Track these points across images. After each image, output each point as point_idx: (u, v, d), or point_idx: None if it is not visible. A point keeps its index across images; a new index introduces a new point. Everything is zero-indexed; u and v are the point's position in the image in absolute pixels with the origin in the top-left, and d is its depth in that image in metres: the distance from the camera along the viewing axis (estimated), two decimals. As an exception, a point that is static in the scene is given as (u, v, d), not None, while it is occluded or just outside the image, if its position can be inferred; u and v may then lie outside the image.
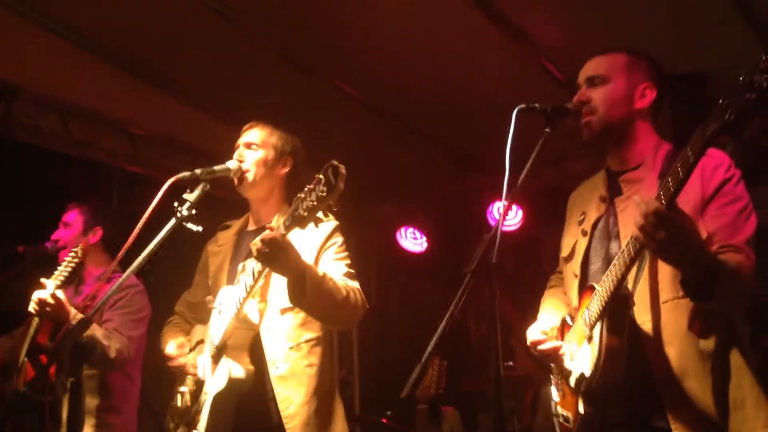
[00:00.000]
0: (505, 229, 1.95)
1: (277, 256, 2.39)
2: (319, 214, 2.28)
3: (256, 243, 2.40)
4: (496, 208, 5.85)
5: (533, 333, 2.45)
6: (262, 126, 2.93)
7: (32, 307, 3.17)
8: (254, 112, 4.98)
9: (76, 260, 3.45)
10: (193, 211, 2.50)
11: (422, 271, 6.62)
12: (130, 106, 5.00)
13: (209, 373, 2.68)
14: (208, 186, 2.58)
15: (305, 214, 2.28)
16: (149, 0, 3.94)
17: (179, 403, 2.80)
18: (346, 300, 2.59)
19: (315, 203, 2.24)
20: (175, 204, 2.49)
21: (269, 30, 4.21)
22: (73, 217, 3.83)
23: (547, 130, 2.22)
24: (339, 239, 2.82)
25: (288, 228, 2.39)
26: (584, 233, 2.46)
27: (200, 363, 2.78)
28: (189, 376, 2.78)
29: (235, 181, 2.82)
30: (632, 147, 2.42)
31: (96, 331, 3.28)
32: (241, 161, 2.82)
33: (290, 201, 2.83)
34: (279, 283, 2.69)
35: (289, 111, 4.87)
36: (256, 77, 4.67)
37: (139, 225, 2.34)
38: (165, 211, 2.57)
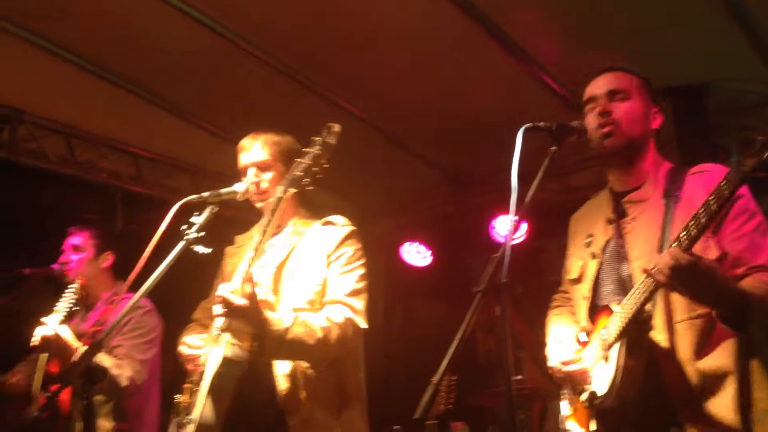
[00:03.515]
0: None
1: (243, 313, 2.41)
2: (315, 171, 2.46)
3: (224, 297, 2.39)
4: (499, 222, 5.86)
5: (558, 353, 2.44)
6: (263, 142, 2.86)
7: (33, 342, 3.16)
8: (255, 132, 5.05)
9: (76, 297, 3.42)
10: (201, 234, 2.50)
11: (427, 285, 6.62)
12: (133, 127, 5.04)
13: (209, 358, 2.61)
14: (215, 208, 2.59)
15: (301, 173, 2.44)
16: (151, 23, 3.97)
17: (183, 397, 2.74)
18: (322, 341, 2.52)
19: (310, 162, 2.44)
20: (184, 227, 2.49)
21: (270, 49, 4.24)
22: (83, 242, 3.80)
23: (553, 148, 2.22)
24: (350, 248, 2.76)
25: (285, 191, 2.51)
26: (593, 256, 2.46)
27: (205, 354, 2.72)
28: (197, 372, 2.73)
29: (253, 200, 2.82)
30: (639, 166, 2.43)
31: (105, 361, 3.25)
32: (257, 183, 2.80)
33: (302, 201, 2.89)
34: (294, 278, 2.67)
35: (290, 129, 4.89)
36: (257, 96, 4.69)
37: (149, 248, 2.35)
38: (172, 233, 2.57)
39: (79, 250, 3.79)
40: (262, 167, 2.82)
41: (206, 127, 5.04)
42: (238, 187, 2.77)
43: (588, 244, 2.51)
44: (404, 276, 6.52)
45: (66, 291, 3.45)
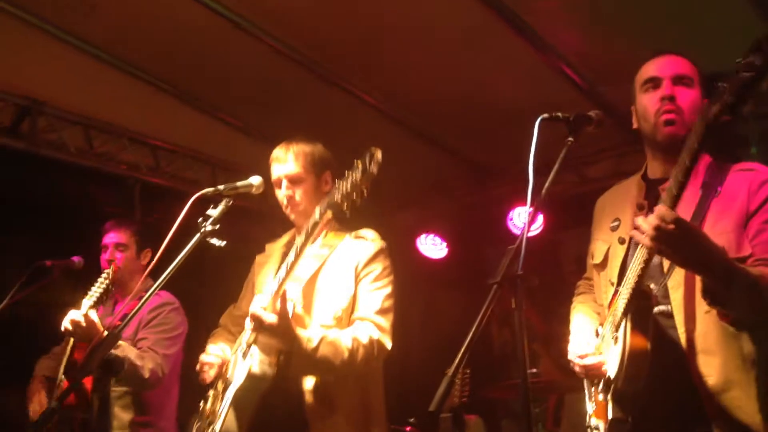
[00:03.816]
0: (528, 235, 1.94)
1: (273, 330, 2.45)
2: (354, 199, 2.39)
3: (255, 314, 2.44)
4: (517, 213, 5.84)
5: (577, 347, 2.41)
6: (295, 154, 2.84)
7: (65, 327, 3.19)
8: (274, 124, 5.07)
9: (107, 281, 3.46)
10: (217, 227, 2.51)
11: (443, 276, 6.62)
12: (152, 118, 5.06)
13: (235, 370, 2.66)
14: (231, 201, 2.60)
15: (339, 199, 2.40)
16: (170, 15, 3.99)
17: (206, 405, 2.79)
18: (348, 361, 2.56)
19: (349, 189, 2.38)
20: (200, 220, 2.51)
21: (291, 43, 4.24)
22: (127, 239, 3.84)
23: (570, 139, 2.19)
24: (379, 266, 2.76)
25: (322, 214, 2.48)
26: (621, 241, 2.40)
27: (231, 363, 2.76)
28: (219, 380, 2.78)
29: (286, 211, 2.85)
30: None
31: (129, 351, 3.29)
32: (289, 196, 2.81)
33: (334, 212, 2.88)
34: (323, 293, 2.70)
35: (310, 121, 4.91)
36: (277, 89, 4.70)
37: (166, 241, 2.36)
38: (189, 225, 2.58)
39: (123, 248, 3.82)
40: (294, 180, 2.82)
41: (225, 119, 5.06)
42: (254, 180, 2.78)
43: (614, 228, 2.46)
44: (421, 267, 6.53)
45: (100, 278, 3.49)
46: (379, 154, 2.34)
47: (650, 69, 2.38)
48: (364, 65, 4.49)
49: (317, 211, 2.53)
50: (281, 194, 2.84)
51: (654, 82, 2.35)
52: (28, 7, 3.91)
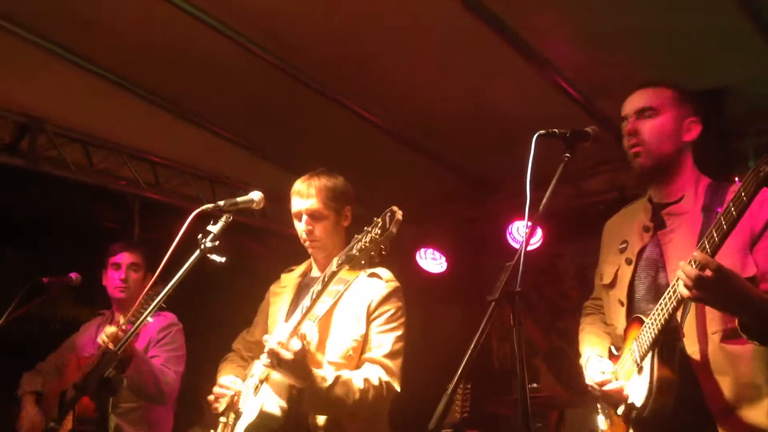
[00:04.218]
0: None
1: (290, 368, 2.47)
2: (371, 255, 2.39)
3: (274, 350, 2.46)
4: (516, 227, 5.84)
5: (595, 373, 2.46)
6: (317, 190, 2.84)
7: (102, 340, 3.26)
8: (274, 140, 5.09)
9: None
10: (216, 243, 2.52)
11: (442, 291, 6.61)
12: (151, 135, 5.07)
13: (246, 404, 2.69)
14: (231, 217, 2.60)
15: (357, 254, 2.40)
16: (168, 32, 4.01)
17: None
18: (359, 402, 2.57)
19: (367, 244, 2.38)
20: (199, 236, 2.51)
21: (290, 59, 4.26)
22: (141, 260, 3.94)
23: (567, 155, 2.22)
24: (392, 307, 2.77)
25: (340, 266, 2.50)
26: (629, 261, 2.49)
27: (242, 395, 2.77)
28: (231, 411, 2.77)
29: (305, 245, 2.87)
30: (676, 180, 2.45)
31: (151, 363, 3.44)
32: (309, 231, 2.82)
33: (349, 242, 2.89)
34: (335, 331, 2.71)
35: (310, 138, 4.94)
36: (276, 105, 4.72)
37: (165, 258, 2.37)
38: (189, 242, 2.59)
39: (137, 268, 3.92)
40: (314, 215, 2.83)
41: (224, 135, 5.07)
42: (255, 196, 2.77)
43: (622, 250, 2.54)
44: (420, 282, 6.52)
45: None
46: (399, 214, 2.34)
47: (622, 109, 2.53)
48: (363, 82, 4.50)
49: (335, 262, 2.56)
50: (300, 228, 2.85)
51: (625, 121, 2.50)
52: (27, 25, 3.93)
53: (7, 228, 4.90)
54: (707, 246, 2.05)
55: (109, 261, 3.93)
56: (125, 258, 3.90)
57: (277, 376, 2.59)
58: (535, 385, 4.62)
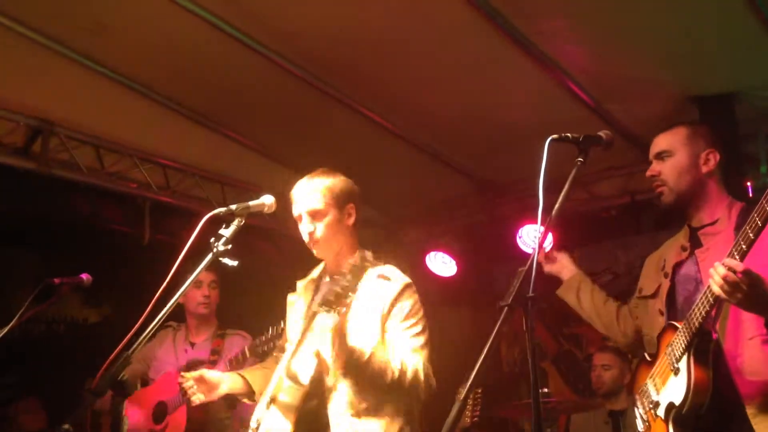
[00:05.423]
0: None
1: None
2: (347, 299, 2.43)
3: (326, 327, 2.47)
4: (525, 231, 5.82)
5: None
6: (316, 189, 2.82)
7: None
8: (284, 143, 5.09)
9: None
10: (229, 246, 2.51)
11: (452, 294, 6.60)
12: (162, 137, 5.09)
13: (260, 423, 2.69)
14: (243, 221, 2.60)
15: (332, 298, 2.42)
16: (180, 36, 4.03)
17: None
18: (397, 382, 2.56)
19: (340, 290, 2.41)
20: (212, 240, 2.51)
21: (300, 63, 4.26)
22: (217, 278, 4.19)
23: (579, 159, 2.22)
24: (407, 303, 2.73)
25: (320, 307, 2.47)
26: (666, 275, 2.69)
27: (256, 412, 2.76)
28: (251, 424, 2.75)
29: (309, 245, 2.85)
30: (706, 207, 2.63)
31: None
32: (311, 232, 2.80)
33: (359, 242, 2.90)
34: (349, 340, 2.63)
35: (319, 140, 4.94)
36: (286, 108, 4.73)
37: (177, 263, 2.36)
38: (200, 245, 2.59)
39: (215, 285, 4.20)
40: (315, 215, 2.80)
41: (235, 138, 5.08)
42: (266, 200, 2.75)
43: (662, 268, 2.74)
44: (430, 285, 6.51)
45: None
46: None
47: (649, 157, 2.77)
48: (373, 85, 4.50)
49: (316, 303, 2.57)
50: (303, 229, 2.82)
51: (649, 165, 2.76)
52: (39, 29, 3.94)
53: (18, 230, 4.93)
54: (736, 254, 2.23)
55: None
56: (206, 276, 4.10)
57: (283, 396, 2.62)
58: (545, 390, 4.61)
